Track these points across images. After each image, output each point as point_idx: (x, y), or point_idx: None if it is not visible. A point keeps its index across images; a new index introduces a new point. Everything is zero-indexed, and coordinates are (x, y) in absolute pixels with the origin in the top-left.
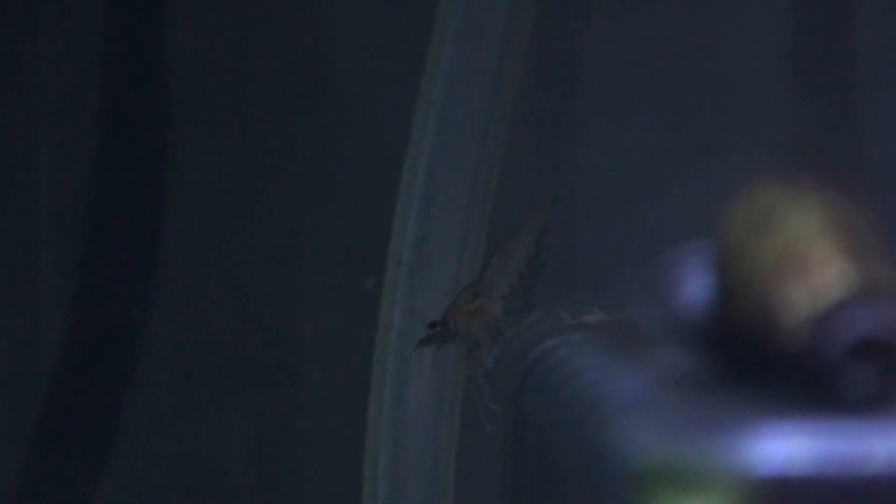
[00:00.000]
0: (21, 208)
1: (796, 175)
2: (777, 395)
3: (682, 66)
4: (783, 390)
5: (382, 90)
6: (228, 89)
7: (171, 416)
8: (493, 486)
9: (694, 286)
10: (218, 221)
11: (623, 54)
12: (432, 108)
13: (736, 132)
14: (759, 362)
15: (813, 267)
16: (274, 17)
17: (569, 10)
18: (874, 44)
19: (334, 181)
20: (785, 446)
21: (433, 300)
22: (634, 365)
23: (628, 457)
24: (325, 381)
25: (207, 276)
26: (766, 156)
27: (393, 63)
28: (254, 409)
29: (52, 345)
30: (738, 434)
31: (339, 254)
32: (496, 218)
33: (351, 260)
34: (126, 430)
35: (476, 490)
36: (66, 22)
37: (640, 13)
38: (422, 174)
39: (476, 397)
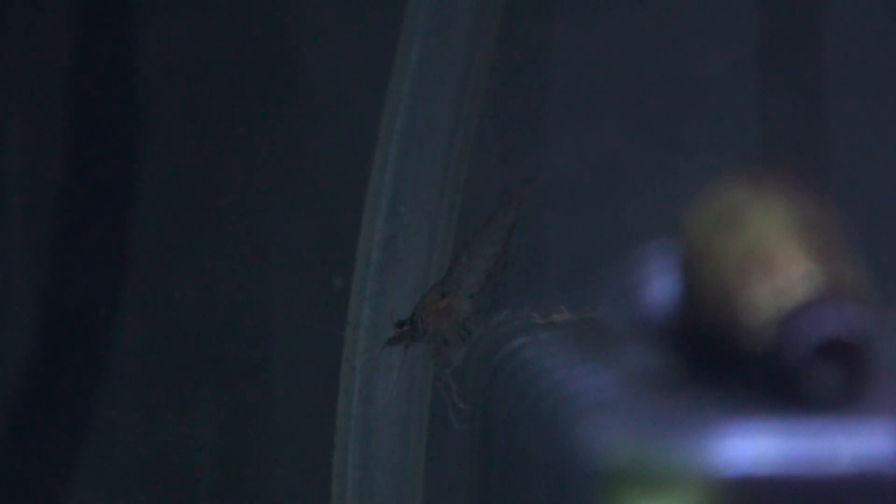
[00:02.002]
0: None
1: (762, 174)
2: (743, 394)
3: (649, 64)
4: (749, 390)
5: (351, 88)
6: (197, 88)
7: (140, 415)
8: (461, 484)
9: (660, 285)
10: (186, 220)
11: (590, 52)
12: (400, 107)
13: (702, 130)
14: (726, 362)
15: (778, 266)
16: (242, 15)
17: (536, 8)
18: (841, 42)
19: (302, 179)
20: (751, 446)
21: (402, 298)
22: (602, 364)
23: (596, 456)
24: (293, 379)
25: (175, 274)
26: (733, 154)
27: (361, 61)
28: (222, 408)
29: (19, 344)
30: (704, 433)
31: (307, 252)
32: (464, 216)
33: (319, 258)
34: (94, 429)
35: (445, 488)
36: (35, 20)
37: (608, 11)
38: (390, 172)
39: (444, 395)
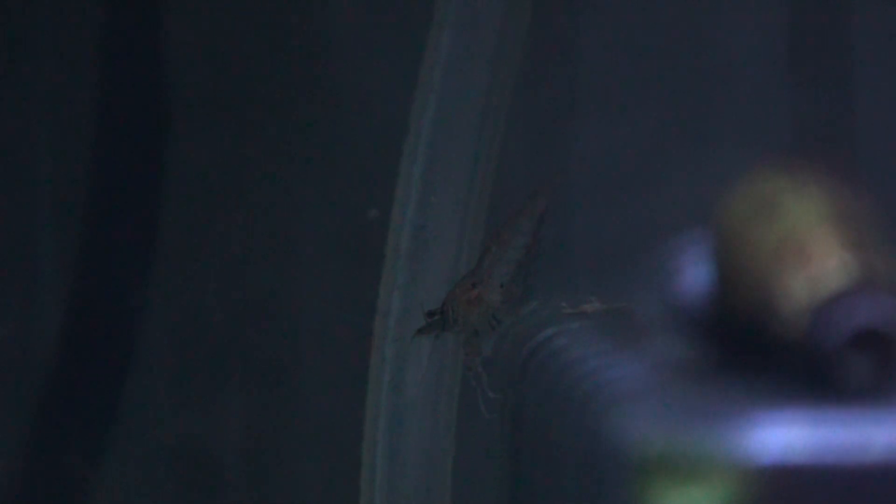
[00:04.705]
0: (20, 199)
1: (795, 164)
2: (775, 384)
3: (679, 55)
4: (782, 379)
5: (381, 78)
6: (226, 78)
7: (169, 405)
8: (491, 474)
9: (693, 275)
10: (215, 211)
11: (621, 43)
12: (431, 97)
13: (734, 121)
14: (758, 351)
15: (812, 256)
16: (272, 5)
17: (566, 0)
18: (872, 32)
19: (332, 170)
20: (783, 435)
21: (432, 288)
22: (633, 354)
23: (627, 445)
24: (322, 369)
25: (204, 265)
26: (765, 145)
27: (391, 51)
28: (251, 398)
29: (49, 334)
30: (736, 423)
31: (337, 242)
32: (494, 206)
33: (349, 248)
34: (123, 420)
35: (474, 477)
36: (63, 16)
37: (637, 2)
38: (420, 162)
39: (474, 385)
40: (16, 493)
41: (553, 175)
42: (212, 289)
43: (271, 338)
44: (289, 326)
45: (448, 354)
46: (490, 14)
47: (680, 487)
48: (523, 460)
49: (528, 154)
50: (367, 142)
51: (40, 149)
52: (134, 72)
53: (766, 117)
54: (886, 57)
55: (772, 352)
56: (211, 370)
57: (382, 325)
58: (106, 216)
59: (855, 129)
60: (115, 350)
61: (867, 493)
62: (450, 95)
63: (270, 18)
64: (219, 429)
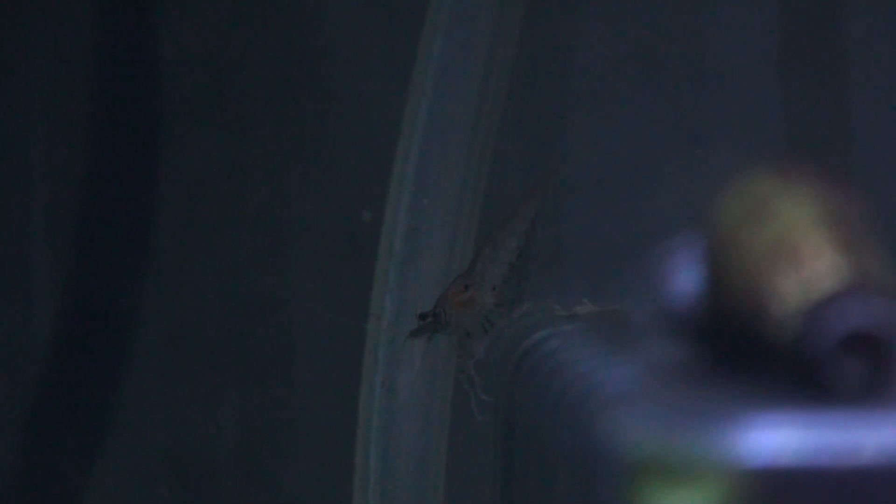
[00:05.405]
0: (13, 200)
1: (788, 166)
2: (767, 386)
3: (672, 58)
4: (773, 382)
5: (374, 81)
6: (219, 81)
7: (162, 408)
8: (483, 476)
9: (685, 277)
10: (208, 213)
11: (613, 45)
12: (423, 99)
13: (727, 123)
14: (750, 354)
15: (804, 259)
16: (265, 8)
17: (559, 2)
18: (865, 34)
19: (325, 172)
20: (775, 437)
21: (424, 290)
22: (625, 356)
23: (619, 447)
24: (315, 371)
25: (197, 267)
26: (757, 147)
27: (384, 54)
28: (244, 400)
29: (44, 335)
30: (728, 425)
31: (329, 245)
32: (487, 209)
33: (342, 250)
34: (117, 422)
35: (467, 480)
36: (58, 16)
37: (630, 4)
38: (413, 165)
39: (467, 388)
40: (10, 494)
41: (546, 177)
42: (206, 290)
43: (265, 339)
44: (282, 328)
45: (441, 356)
46: (483, 16)
47: (672, 490)
48: (516, 462)
49: (521, 156)
50: (360, 144)
51: (35, 150)
52: (127, 74)
53: (759, 120)
54: (880, 59)
55: (764, 354)
56: (205, 372)
57: (375, 326)
58: (100, 217)
59: (848, 132)
60: (109, 351)
61: (858, 495)
62: (443, 97)
63: (264, 21)
64: (213, 430)
